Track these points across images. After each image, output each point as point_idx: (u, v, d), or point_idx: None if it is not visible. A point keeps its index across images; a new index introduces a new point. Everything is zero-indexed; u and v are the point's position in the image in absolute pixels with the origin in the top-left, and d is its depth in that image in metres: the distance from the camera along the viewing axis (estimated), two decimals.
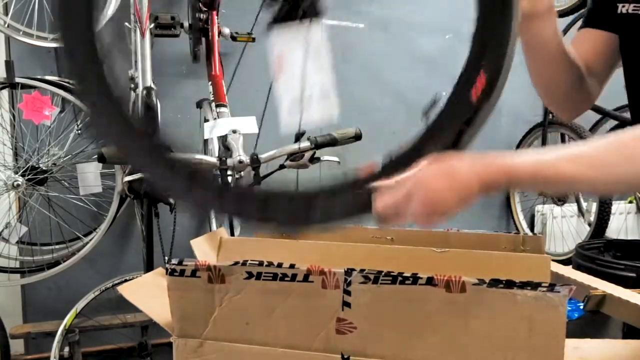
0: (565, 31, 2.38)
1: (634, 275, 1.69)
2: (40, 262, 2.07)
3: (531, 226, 2.98)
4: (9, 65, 1.97)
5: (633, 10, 0.94)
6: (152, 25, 1.97)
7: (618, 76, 1.12)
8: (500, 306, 0.66)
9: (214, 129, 1.55)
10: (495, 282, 0.66)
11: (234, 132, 1.46)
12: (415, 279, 0.68)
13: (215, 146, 1.78)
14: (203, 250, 1.02)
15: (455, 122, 0.75)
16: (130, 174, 1.72)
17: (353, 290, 0.70)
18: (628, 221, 3.10)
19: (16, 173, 1.98)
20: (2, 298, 2.16)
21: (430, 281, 0.67)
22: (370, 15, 2.60)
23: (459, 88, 0.76)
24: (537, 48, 1.00)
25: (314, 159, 1.47)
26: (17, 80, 1.95)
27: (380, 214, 0.74)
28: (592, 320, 1.71)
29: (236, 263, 0.73)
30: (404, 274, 0.68)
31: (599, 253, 2.13)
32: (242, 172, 1.56)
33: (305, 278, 0.71)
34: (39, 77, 2.03)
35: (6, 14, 2.06)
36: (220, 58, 2.04)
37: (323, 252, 0.98)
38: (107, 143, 0.85)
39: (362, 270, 0.70)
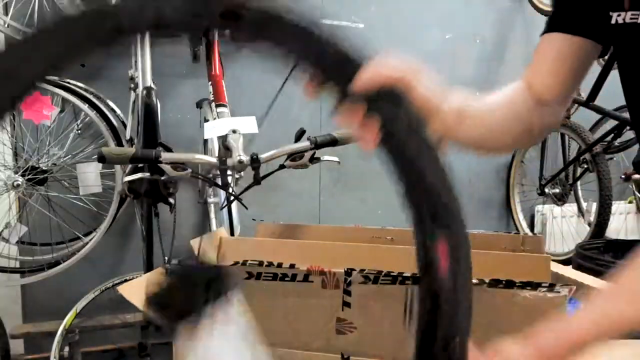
0: None
1: None
2: (40, 262, 2.07)
3: (531, 226, 2.98)
4: None
5: (631, 19, 0.90)
6: None
7: (618, 76, 1.12)
8: (500, 306, 0.66)
9: (214, 129, 1.56)
10: (495, 282, 0.66)
11: (234, 132, 1.46)
12: (415, 279, 0.68)
13: (215, 146, 1.78)
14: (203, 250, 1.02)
15: None
16: (130, 174, 1.71)
17: (353, 290, 0.70)
18: (628, 221, 3.10)
19: (16, 173, 1.97)
20: (2, 298, 2.16)
21: None
22: (370, 15, 2.60)
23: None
24: (479, 142, 0.91)
25: (314, 159, 1.46)
26: None
27: None
28: None
29: (236, 263, 0.73)
30: (404, 274, 0.68)
31: (599, 253, 2.13)
32: (242, 172, 1.56)
33: (305, 278, 0.71)
34: None
35: (6, 14, 2.06)
36: (220, 58, 2.04)
37: (323, 252, 0.98)
38: None
39: (362, 270, 0.70)
